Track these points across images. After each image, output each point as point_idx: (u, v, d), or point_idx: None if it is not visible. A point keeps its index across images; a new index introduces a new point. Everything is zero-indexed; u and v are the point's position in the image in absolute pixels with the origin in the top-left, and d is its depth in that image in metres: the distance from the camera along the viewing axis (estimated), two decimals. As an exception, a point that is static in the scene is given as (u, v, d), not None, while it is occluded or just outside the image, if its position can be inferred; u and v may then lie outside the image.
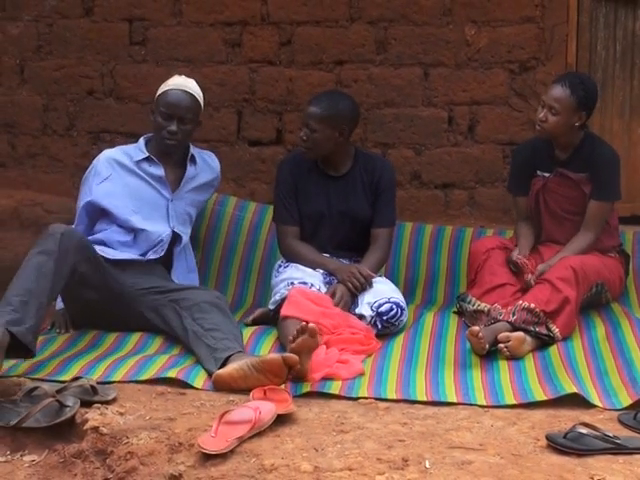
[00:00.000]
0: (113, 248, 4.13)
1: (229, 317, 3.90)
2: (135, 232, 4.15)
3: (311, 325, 3.53)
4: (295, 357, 3.48)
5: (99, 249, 4.01)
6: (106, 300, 3.97)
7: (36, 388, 3.37)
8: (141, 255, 4.15)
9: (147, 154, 4.22)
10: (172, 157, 4.26)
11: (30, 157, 5.45)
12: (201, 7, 5.26)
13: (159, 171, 4.22)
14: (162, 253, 4.18)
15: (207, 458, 2.97)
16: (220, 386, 3.49)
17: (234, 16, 5.25)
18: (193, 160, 4.32)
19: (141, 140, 4.30)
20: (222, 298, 4.06)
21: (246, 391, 3.41)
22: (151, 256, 4.16)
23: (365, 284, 4.20)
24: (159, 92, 4.20)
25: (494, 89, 5.16)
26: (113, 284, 3.97)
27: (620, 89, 5.20)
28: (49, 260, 3.62)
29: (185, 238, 4.29)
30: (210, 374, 3.58)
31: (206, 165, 4.41)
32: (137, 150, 4.26)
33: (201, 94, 4.27)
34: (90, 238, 4.08)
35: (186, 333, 3.81)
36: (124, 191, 4.17)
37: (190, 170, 4.30)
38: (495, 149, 5.21)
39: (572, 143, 4.30)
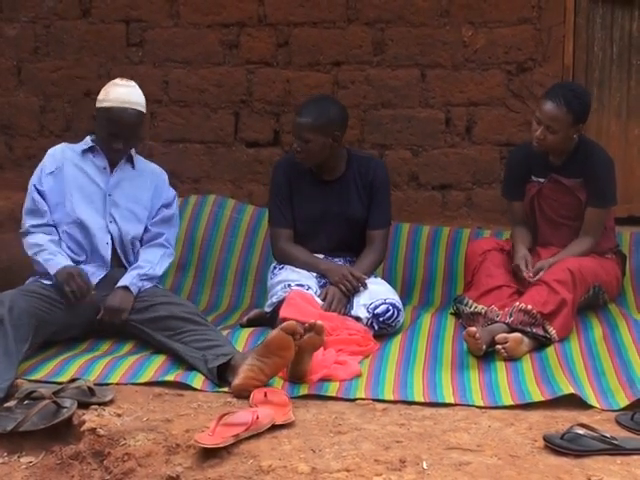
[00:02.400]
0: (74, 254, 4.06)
1: (204, 324, 3.87)
2: (80, 227, 4.05)
3: (319, 322, 3.55)
4: (291, 322, 3.51)
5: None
6: (90, 324, 3.99)
7: (33, 392, 3.36)
8: (92, 255, 4.08)
9: (92, 144, 4.14)
10: None
11: (27, 159, 5.44)
12: (198, 8, 5.26)
13: (103, 162, 4.13)
14: (109, 256, 4.08)
15: (204, 459, 2.97)
16: (244, 392, 3.45)
17: (231, 17, 5.24)
18: (130, 160, 4.18)
19: (87, 138, 4.20)
20: (191, 307, 4.02)
21: (265, 383, 3.48)
22: (108, 268, 4.06)
23: (358, 286, 4.20)
24: (103, 104, 4.04)
25: (491, 90, 5.16)
26: (88, 312, 3.96)
27: (617, 90, 5.20)
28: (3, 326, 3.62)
29: (127, 236, 4.10)
30: (215, 383, 3.58)
31: (146, 167, 4.25)
32: (83, 144, 4.18)
33: (143, 100, 4.10)
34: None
35: (170, 351, 3.80)
36: (63, 185, 4.07)
37: (125, 168, 4.16)
38: (492, 150, 5.21)
39: (567, 149, 4.30)
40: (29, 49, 5.40)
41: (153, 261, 4.11)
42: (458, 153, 5.24)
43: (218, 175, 5.36)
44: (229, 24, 5.25)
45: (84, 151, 4.15)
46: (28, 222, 4.08)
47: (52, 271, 3.91)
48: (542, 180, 4.37)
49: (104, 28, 5.33)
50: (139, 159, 4.26)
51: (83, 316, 3.96)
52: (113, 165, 4.15)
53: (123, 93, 4.05)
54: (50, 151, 4.20)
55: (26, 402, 3.34)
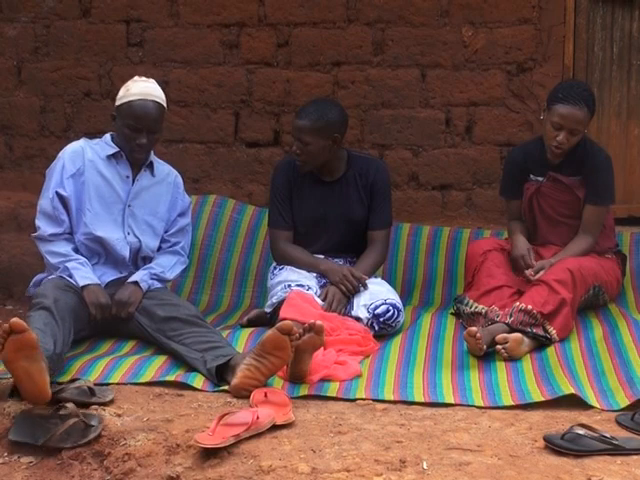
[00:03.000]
0: (89, 258, 4.08)
1: (205, 326, 3.88)
2: (96, 240, 4.05)
3: (318, 322, 3.55)
4: (287, 322, 3.51)
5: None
6: (100, 324, 4.01)
7: (62, 407, 3.29)
8: (112, 264, 4.10)
9: (118, 149, 4.09)
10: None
11: (27, 159, 5.44)
12: (198, 8, 5.26)
13: (126, 170, 4.11)
14: (129, 266, 4.11)
15: (205, 459, 2.97)
16: (242, 392, 3.46)
17: (231, 17, 5.24)
18: (151, 167, 4.17)
19: (107, 136, 4.16)
20: (191, 308, 4.01)
21: (264, 382, 3.47)
22: (123, 272, 4.10)
23: (358, 286, 4.20)
24: (123, 100, 4.00)
25: (491, 90, 5.16)
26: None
27: (617, 90, 5.21)
28: (51, 314, 3.64)
29: (146, 249, 4.13)
30: (215, 383, 3.59)
31: (164, 172, 4.24)
32: (105, 145, 4.12)
33: (163, 95, 4.10)
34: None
35: (171, 352, 3.82)
36: (82, 189, 4.04)
37: (146, 175, 4.15)
38: (492, 150, 5.21)
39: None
40: (29, 49, 5.39)
41: (166, 265, 4.15)
42: (458, 153, 5.24)
43: (218, 175, 5.36)
44: (229, 24, 5.25)
45: (108, 157, 4.09)
46: (46, 229, 4.02)
47: (80, 282, 3.92)
48: (541, 179, 4.37)
49: (104, 28, 5.33)
50: (157, 163, 4.22)
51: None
52: (135, 172, 4.12)
53: (144, 87, 4.05)
54: (69, 150, 4.11)
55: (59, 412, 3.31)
